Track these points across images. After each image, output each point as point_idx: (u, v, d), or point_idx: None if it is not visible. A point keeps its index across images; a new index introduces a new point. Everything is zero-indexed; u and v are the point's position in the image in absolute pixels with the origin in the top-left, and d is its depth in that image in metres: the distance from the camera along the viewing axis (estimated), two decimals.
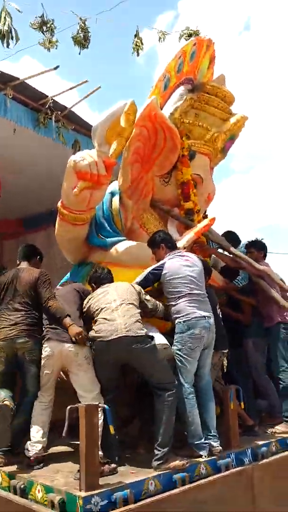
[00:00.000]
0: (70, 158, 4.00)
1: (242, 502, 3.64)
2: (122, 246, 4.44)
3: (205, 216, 5.31)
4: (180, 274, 3.91)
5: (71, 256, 4.78)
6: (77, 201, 4.05)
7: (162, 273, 3.95)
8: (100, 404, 3.19)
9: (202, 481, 3.40)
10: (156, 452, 3.35)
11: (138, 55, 4.94)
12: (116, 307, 3.61)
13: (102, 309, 3.65)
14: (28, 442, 3.56)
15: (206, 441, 3.69)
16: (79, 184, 3.92)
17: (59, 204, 4.28)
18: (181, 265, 3.97)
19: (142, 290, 3.92)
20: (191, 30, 5.66)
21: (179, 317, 3.81)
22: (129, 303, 3.67)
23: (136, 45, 5.36)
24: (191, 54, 4.90)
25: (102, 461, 3.22)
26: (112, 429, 3.20)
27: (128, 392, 4.10)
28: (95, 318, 3.70)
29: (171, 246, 4.21)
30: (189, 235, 4.56)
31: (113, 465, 3.27)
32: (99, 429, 3.20)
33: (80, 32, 5.28)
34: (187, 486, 3.25)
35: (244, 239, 6.05)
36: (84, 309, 3.85)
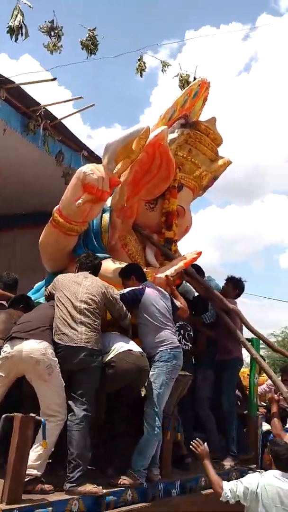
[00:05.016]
0: (79, 169, 4.02)
1: None
2: (111, 264, 4.45)
3: None
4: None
5: (52, 263, 4.69)
6: (77, 212, 4.06)
7: (142, 298, 3.98)
8: (36, 417, 3.01)
9: (126, 508, 3.33)
10: (69, 473, 3.16)
11: (141, 76, 5.23)
12: (80, 310, 3.48)
13: (64, 304, 3.51)
14: None
15: (146, 469, 3.64)
16: (84, 196, 3.93)
17: (55, 211, 4.24)
18: (157, 295, 4.06)
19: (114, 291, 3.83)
20: (187, 74, 6.06)
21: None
22: (95, 309, 3.55)
23: (139, 66, 5.65)
24: (194, 93, 5.15)
25: (40, 478, 3.09)
26: (44, 444, 3.03)
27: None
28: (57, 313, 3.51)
29: (142, 278, 4.27)
30: (178, 265, 4.67)
31: (49, 486, 3.10)
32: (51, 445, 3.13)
33: (88, 39, 5.51)
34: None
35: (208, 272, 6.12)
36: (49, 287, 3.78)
